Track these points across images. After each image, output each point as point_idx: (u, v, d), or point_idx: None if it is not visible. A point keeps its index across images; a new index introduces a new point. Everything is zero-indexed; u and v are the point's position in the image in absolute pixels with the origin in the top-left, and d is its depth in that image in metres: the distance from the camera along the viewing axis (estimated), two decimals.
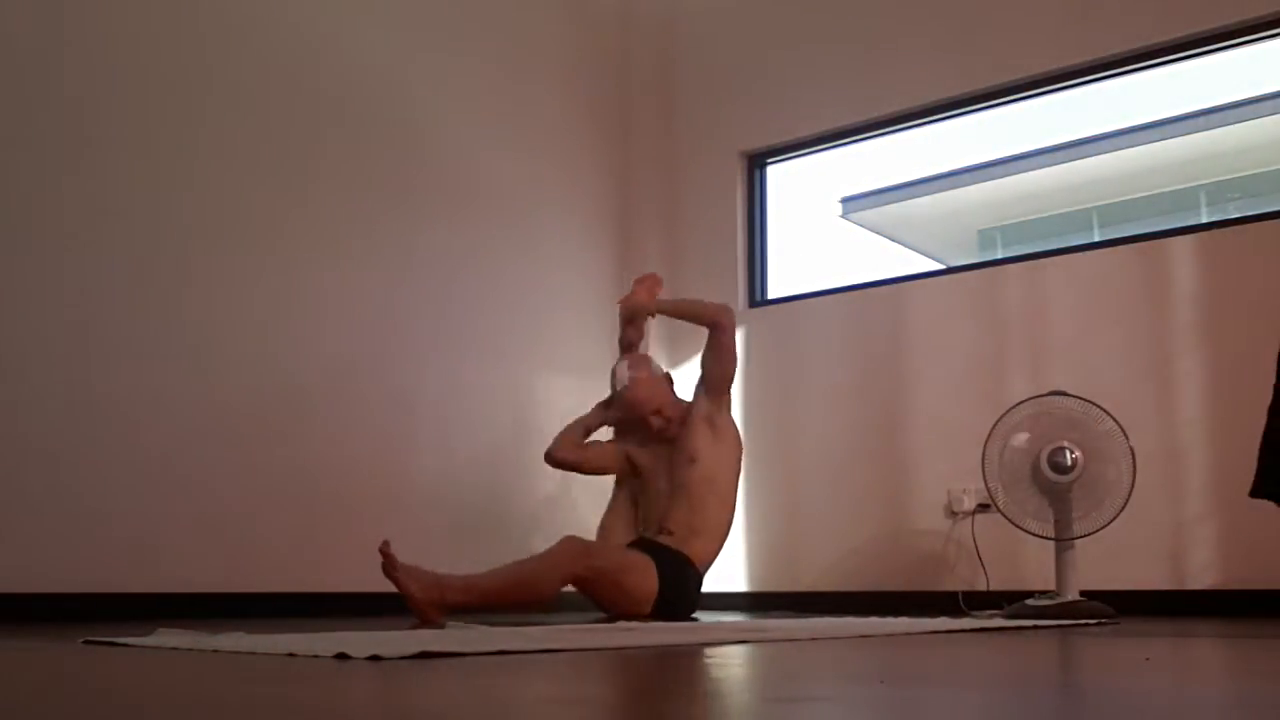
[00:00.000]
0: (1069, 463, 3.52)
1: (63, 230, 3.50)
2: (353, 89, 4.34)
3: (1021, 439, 3.62)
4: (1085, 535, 3.56)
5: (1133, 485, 3.47)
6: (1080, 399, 3.62)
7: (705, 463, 3.68)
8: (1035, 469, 3.56)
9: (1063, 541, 3.59)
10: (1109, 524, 3.52)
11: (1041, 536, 3.63)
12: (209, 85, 3.91)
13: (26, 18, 3.49)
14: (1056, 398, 3.66)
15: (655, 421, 3.75)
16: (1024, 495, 3.61)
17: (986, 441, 3.67)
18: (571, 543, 3.36)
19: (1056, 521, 3.58)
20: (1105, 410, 3.56)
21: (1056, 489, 3.55)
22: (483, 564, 4.44)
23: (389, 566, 3.07)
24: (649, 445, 3.83)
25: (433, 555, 4.33)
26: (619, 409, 3.82)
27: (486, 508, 4.50)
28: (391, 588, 2.96)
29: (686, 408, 3.80)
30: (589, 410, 3.96)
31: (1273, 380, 2.58)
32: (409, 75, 4.56)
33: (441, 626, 2.83)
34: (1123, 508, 3.49)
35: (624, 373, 3.79)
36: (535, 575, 3.28)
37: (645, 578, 3.41)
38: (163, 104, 3.78)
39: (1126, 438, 3.51)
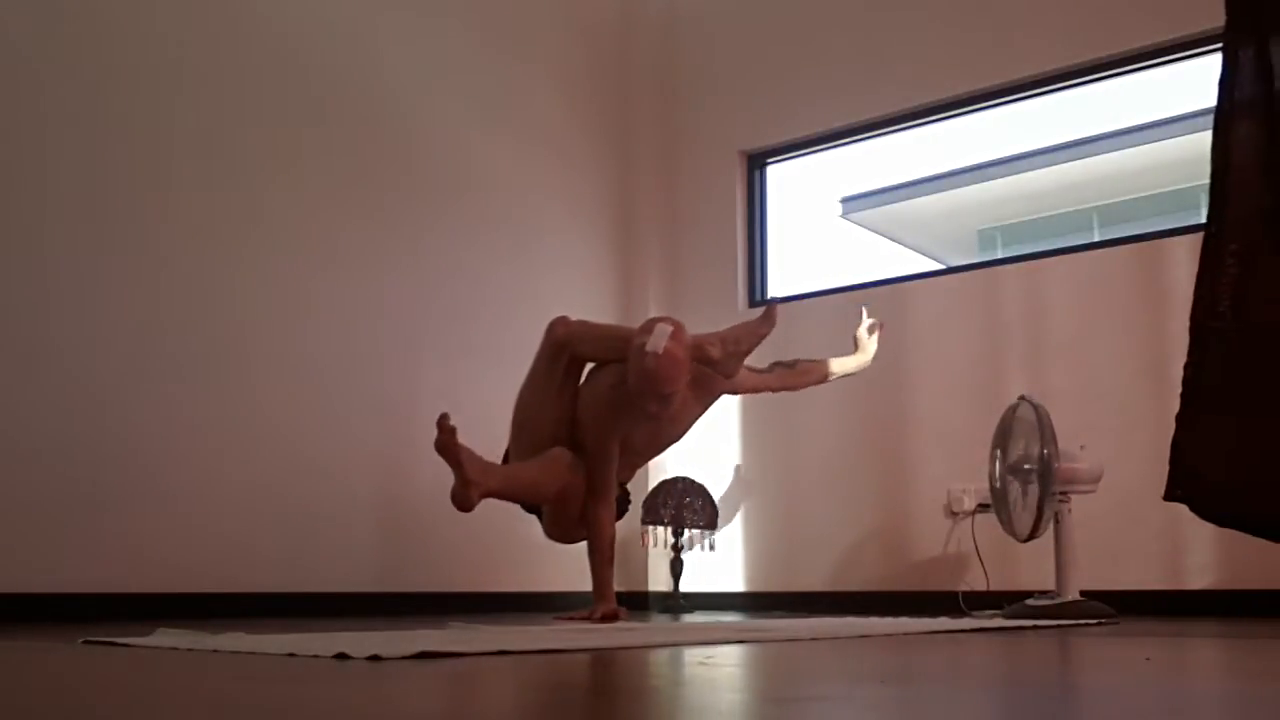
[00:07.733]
0: (995, 470, 3.63)
1: (59, 231, 3.50)
2: (348, 86, 4.34)
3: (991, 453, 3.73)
4: (1029, 539, 3.58)
5: (1051, 480, 3.48)
6: (1025, 400, 3.65)
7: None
8: (993, 479, 3.68)
9: (1021, 541, 3.64)
10: (1035, 528, 3.53)
11: (1019, 539, 3.65)
12: (205, 85, 3.91)
13: (23, 19, 3.49)
14: (1017, 404, 3.70)
15: (653, 407, 3.19)
16: (1008, 503, 3.66)
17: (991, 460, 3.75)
18: (564, 454, 3.33)
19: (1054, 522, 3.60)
20: (1033, 403, 3.58)
21: (1008, 494, 3.64)
22: (481, 563, 4.46)
23: (448, 437, 3.00)
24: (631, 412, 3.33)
25: (433, 555, 4.35)
26: (634, 370, 3.14)
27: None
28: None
29: (688, 405, 3.40)
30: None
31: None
32: (407, 74, 4.56)
33: (471, 507, 3.04)
34: (1039, 509, 3.48)
35: (660, 337, 3.11)
36: (540, 479, 3.34)
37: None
38: (154, 103, 3.78)
39: (1042, 428, 3.50)
